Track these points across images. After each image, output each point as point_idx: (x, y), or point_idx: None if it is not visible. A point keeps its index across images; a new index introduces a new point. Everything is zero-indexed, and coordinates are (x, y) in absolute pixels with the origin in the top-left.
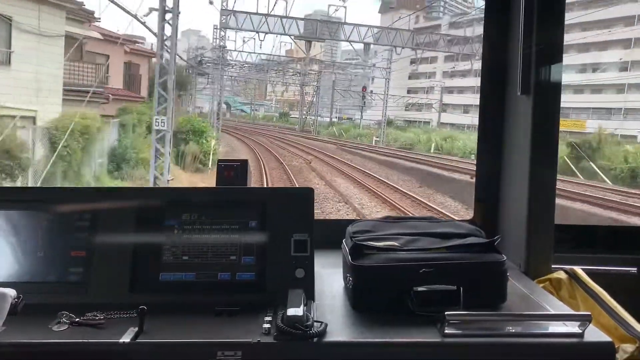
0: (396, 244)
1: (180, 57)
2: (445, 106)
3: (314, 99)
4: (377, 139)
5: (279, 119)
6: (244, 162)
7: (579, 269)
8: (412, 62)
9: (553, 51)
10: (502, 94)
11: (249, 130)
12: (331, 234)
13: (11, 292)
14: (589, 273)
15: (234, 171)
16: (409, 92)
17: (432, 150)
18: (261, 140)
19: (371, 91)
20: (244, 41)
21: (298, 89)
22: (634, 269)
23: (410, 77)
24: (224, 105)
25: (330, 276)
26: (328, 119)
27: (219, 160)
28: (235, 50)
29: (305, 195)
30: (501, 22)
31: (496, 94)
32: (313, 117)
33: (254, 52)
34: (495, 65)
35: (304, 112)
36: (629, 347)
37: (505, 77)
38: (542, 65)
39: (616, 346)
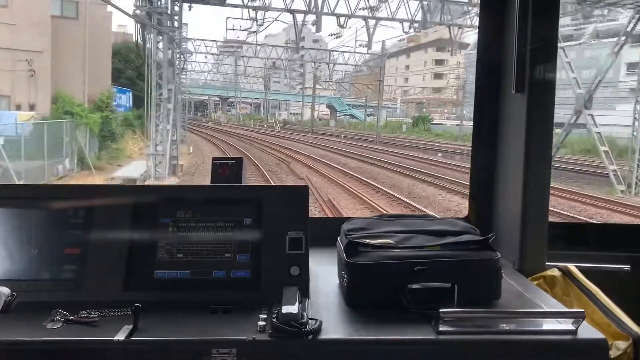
0: (391, 241)
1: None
2: None
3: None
4: None
5: (413, 127)
6: (239, 160)
7: (572, 267)
8: None
9: (547, 50)
10: (497, 92)
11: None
12: (326, 232)
13: (5, 290)
14: (583, 270)
15: (229, 169)
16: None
17: None
18: None
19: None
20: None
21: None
22: (627, 267)
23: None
24: (326, 110)
25: (325, 274)
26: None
27: (214, 158)
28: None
29: (301, 193)
30: (496, 20)
31: (491, 92)
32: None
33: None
34: (490, 63)
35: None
36: (622, 344)
37: (500, 76)
38: (537, 64)
39: (609, 343)
